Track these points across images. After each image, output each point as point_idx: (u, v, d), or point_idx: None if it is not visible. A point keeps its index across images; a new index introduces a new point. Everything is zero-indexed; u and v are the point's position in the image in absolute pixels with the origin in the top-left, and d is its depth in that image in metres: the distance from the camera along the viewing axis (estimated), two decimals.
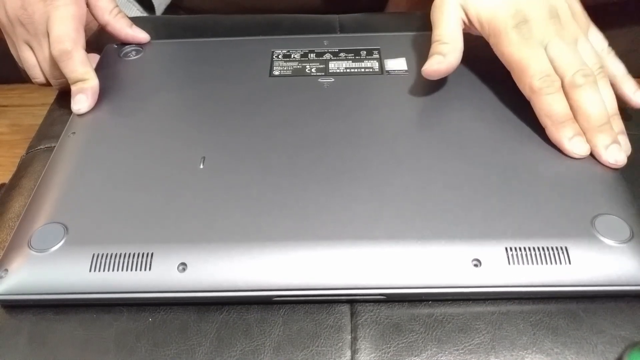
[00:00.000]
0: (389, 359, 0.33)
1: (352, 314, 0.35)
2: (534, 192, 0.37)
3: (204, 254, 0.34)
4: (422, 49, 0.50)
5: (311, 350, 0.33)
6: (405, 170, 0.38)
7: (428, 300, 0.35)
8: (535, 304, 0.35)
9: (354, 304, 0.35)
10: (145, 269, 0.34)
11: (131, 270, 0.34)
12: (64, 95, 0.54)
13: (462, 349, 0.33)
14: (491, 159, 0.39)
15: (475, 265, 0.34)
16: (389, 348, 0.33)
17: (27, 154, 0.49)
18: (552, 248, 0.34)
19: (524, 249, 0.34)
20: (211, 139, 0.42)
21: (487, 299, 0.35)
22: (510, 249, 0.34)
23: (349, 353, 0.33)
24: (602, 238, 0.34)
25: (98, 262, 0.34)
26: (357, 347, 0.33)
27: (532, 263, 0.34)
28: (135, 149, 0.41)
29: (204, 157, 0.40)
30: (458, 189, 0.37)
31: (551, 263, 0.34)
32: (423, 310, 0.35)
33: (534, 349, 0.33)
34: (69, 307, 0.35)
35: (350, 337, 0.34)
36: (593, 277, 0.34)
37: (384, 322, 0.34)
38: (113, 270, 0.34)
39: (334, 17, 0.62)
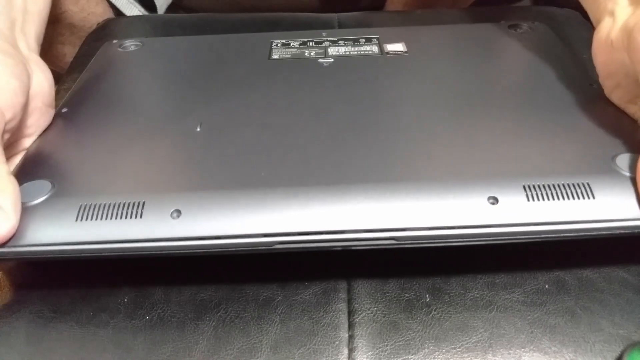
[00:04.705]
0: (386, 357, 0.33)
1: (349, 312, 0.35)
2: (553, 133, 0.36)
3: (200, 199, 0.33)
4: (421, 38, 0.50)
5: (308, 349, 0.33)
6: (419, 115, 0.39)
7: (440, 244, 0.33)
8: (533, 303, 0.35)
9: (351, 302, 0.35)
10: (136, 217, 0.32)
11: (121, 218, 0.32)
12: (62, 95, 0.54)
13: (459, 347, 0.33)
14: (508, 101, 0.39)
15: (492, 203, 0.32)
16: (386, 346, 0.33)
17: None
18: (574, 185, 0.33)
19: (544, 186, 0.32)
20: (208, 109, 0.41)
21: (506, 241, 0.33)
22: (529, 187, 0.32)
23: (345, 351, 0.33)
24: (624, 173, 0.33)
25: (85, 212, 0.33)
26: (354, 345, 0.33)
27: (554, 199, 0.32)
28: (129, 117, 0.41)
29: (201, 123, 0.39)
30: (474, 130, 0.37)
31: (574, 198, 0.32)
32: (420, 309, 0.34)
33: (532, 347, 0.33)
34: (65, 305, 0.35)
35: (347, 335, 0.34)
36: (618, 211, 0.32)
37: (381, 320, 0.34)
38: (101, 218, 0.32)
39: (333, 16, 0.62)
